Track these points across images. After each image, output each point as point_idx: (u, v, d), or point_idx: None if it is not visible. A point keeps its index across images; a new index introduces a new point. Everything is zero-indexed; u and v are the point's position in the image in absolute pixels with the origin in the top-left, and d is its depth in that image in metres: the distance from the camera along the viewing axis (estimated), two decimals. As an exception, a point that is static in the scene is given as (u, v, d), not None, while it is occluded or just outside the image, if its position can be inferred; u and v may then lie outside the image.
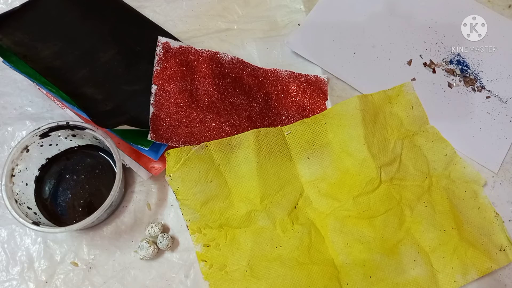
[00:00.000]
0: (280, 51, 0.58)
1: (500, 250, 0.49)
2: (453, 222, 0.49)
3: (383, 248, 0.48)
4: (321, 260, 0.47)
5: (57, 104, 0.52)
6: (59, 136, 0.48)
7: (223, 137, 0.49)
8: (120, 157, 0.45)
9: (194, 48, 0.54)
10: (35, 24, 0.51)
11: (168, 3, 0.59)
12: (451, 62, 0.58)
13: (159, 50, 0.52)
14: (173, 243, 0.48)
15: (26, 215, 0.43)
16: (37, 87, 0.51)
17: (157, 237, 0.47)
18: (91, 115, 0.46)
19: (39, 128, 0.45)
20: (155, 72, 0.51)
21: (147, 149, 0.48)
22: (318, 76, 0.56)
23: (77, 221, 0.44)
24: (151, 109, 0.49)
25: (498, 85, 0.57)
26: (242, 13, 0.60)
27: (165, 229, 0.49)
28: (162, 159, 0.49)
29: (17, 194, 0.45)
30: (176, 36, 0.56)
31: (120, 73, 0.51)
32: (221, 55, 0.54)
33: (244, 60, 0.55)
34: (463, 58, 0.59)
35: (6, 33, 0.50)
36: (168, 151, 0.47)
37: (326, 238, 0.48)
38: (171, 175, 0.47)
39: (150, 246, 0.46)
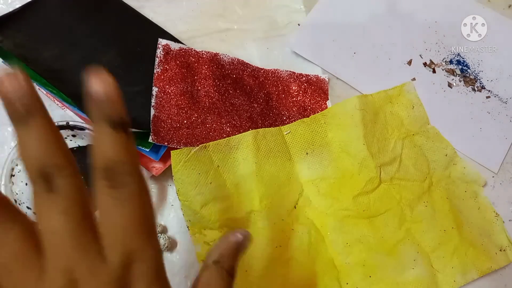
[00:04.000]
0: (280, 51, 0.58)
1: (500, 250, 0.49)
2: (453, 222, 0.49)
3: (383, 248, 0.48)
4: (320, 260, 0.47)
5: (57, 104, 0.52)
6: (59, 136, 0.48)
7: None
8: (120, 157, 0.45)
9: (194, 50, 0.54)
10: (36, 26, 0.51)
11: (168, 3, 0.59)
12: (451, 62, 0.58)
13: (159, 52, 0.52)
14: (173, 244, 0.48)
15: (26, 215, 0.43)
16: (37, 87, 0.51)
17: (156, 238, 0.47)
18: None
19: (39, 128, 0.45)
20: (156, 74, 0.51)
21: (148, 150, 0.48)
22: (319, 76, 0.56)
23: (76, 221, 0.44)
24: (152, 111, 0.49)
25: (498, 85, 0.57)
26: (242, 13, 0.60)
27: (164, 229, 0.49)
28: (163, 159, 0.49)
29: (17, 194, 0.45)
30: (176, 36, 0.56)
31: (120, 74, 0.51)
32: (221, 56, 0.54)
33: (244, 60, 0.55)
34: (463, 58, 0.59)
35: (6, 35, 0.50)
36: (171, 151, 0.47)
37: (326, 237, 0.48)
38: (173, 176, 0.47)
39: None
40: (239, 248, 0.29)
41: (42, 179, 0.22)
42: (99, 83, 0.23)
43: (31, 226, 0.23)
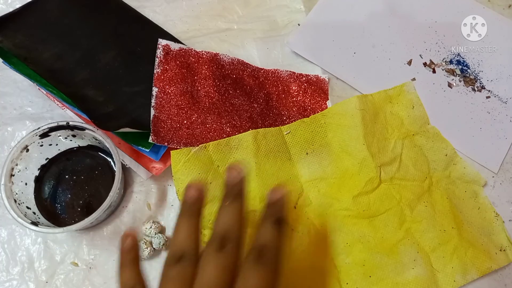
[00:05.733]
0: (280, 51, 0.58)
1: (500, 250, 0.49)
2: (453, 222, 0.49)
3: (383, 248, 0.48)
4: (321, 260, 0.47)
5: (57, 104, 0.52)
6: (59, 136, 0.48)
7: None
8: (120, 158, 0.45)
9: (194, 50, 0.54)
10: (36, 25, 0.51)
11: (168, 3, 0.59)
12: (451, 62, 0.58)
13: (159, 52, 0.52)
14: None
15: (25, 215, 0.43)
16: (37, 87, 0.51)
17: (152, 237, 0.47)
18: (92, 117, 0.46)
19: (39, 128, 0.45)
20: (156, 75, 0.51)
21: (148, 150, 0.48)
22: (319, 76, 0.56)
23: (76, 222, 0.44)
24: (152, 112, 0.49)
25: (498, 85, 0.57)
26: (242, 13, 0.60)
27: (162, 230, 0.49)
28: (163, 159, 0.49)
29: (17, 193, 0.45)
30: (176, 36, 0.56)
31: (120, 74, 0.51)
32: (221, 57, 0.54)
33: (244, 61, 0.55)
34: (463, 58, 0.59)
35: (6, 35, 0.50)
36: (171, 151, 0.47)
37: (326, 237, 0.48)
38: (173, 176, 0.47)
39: (146, 248, 0.46)
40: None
41: (220, 240, 0.33)
42: (279, 192, 0.35)
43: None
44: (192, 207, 0.35)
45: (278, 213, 0.35)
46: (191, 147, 0.48)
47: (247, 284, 0.32)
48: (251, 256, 0.33)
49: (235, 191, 0.35)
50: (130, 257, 0.35)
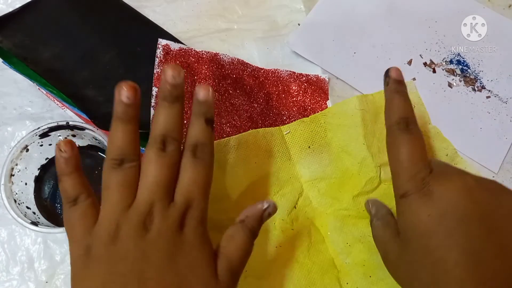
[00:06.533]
0: (280, 51, 0.58)
1: (501, 250, 0.49)
2: (453, 222, 0.49)
3: (383, 248, 0.48)
4: (321, 260, 0.47)
5: (57, 104, 0.52)
6: (59, 136, 0.48)
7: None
8: (120, 158, 0.45)
9: (194, 50, 0.54)
10: (36, 25, 0.51)
11: (168, 3, 0.59)
12: (451, 62, 0.58)
13: (159, 52, 0.52)
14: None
15: (25, 215, 0.43)
16: (37, 87, 0.51)
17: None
18: (92, 117, 0.46)
19: (39, 128, 0.45)
20: (156, 75, 0.51)
21: (148, 150, 0.48)
22: (319, 75, 0.56)
23: (76, 221, 0.44)
24: (152, 112, 0.49)
25: (498, 85, 0.57)
26: (242, 13, 0.60)
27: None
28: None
29: (16, 193, 0.45)
30: (176, 36, 0.56)
31: (120, 74, 0.51)
32: (221, 56, 0.54)
33: (244, 60, 0.55)
34: (463, 58, 0.59)
35: (6, 35, 0.50)
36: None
37: (326, 237, 0.48)
38: None
39: None
40: (263, 213, 0.37)
41: (160, 141, 0.34)
42: (204, 91, 0.36)
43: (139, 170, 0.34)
44: (128, 111, 0.34)
45: (208, 114, 0.36)
46: (191, 147, 0.48)
47: (187, 178, 0.34)
48: (187, 153, 0.35)
49: (175, 93, 0.35)
50: (71, 165, 0.34)
